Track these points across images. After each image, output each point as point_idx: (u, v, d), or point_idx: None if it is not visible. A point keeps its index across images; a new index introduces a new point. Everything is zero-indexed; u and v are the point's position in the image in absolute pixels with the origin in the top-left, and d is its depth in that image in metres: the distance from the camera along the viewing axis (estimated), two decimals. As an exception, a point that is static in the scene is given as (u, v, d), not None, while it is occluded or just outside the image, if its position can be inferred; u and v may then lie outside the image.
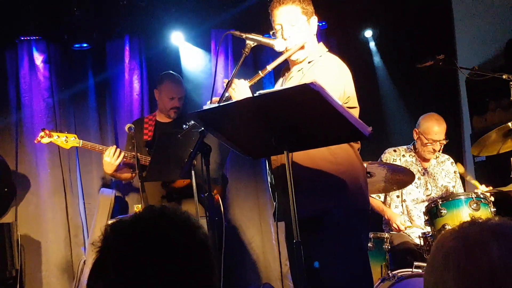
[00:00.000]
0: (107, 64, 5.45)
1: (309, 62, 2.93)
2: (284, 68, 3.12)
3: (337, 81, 2.79)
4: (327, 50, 3.00)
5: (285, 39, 2.89)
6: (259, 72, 2.84)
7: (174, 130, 4.02)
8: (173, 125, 4.44)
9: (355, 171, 2.88)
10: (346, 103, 2.81)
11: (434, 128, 4.39)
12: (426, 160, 4.52)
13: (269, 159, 2.93)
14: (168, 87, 4.50)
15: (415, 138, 4.51)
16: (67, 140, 4.25)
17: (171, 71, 4.74)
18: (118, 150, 4.14)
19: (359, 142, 2.92)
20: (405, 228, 4.32)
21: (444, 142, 4.41)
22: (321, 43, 3.03)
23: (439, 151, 4.49)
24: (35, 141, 4.35)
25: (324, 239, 2.78)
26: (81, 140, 4.24)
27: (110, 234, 1.25)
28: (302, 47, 2.92)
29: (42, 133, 4.27)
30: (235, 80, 2.75)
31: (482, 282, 1.19)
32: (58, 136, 4.26)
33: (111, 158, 4.11)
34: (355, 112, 2.86)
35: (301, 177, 2.70)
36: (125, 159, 4.25)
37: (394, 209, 4.49)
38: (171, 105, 4.48)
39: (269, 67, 2.85)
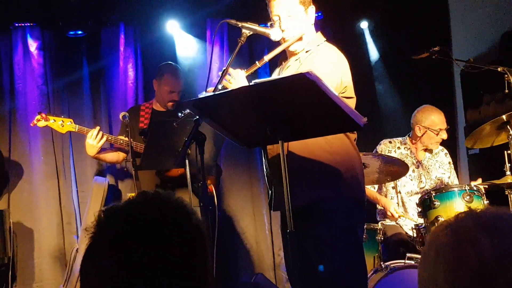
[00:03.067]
0: (102, 51, 5.42)
1: (306, 52, 2.92)
2: (281, 57, 3.11)
3: (334, 71, 2.79)
4: (325, 39, 2.99)
5: (283, 30, 2.88)
6: (256, 62, 2.82)
7: (169, 118, 4.01)
8: (169, 114, 4.44)
9: (351, 161, 2.89)
10: (343, 92, 2.81)
11: (439, 117, 4.48)
12: (427, 150, 4.55)
13: (265, 148, 2.92)
14: (169, 80, 4.49)
15: (420, 134, 4.49)
16: (63, 124, 4.24)
17: (171, 62, 4.72)
18: (101, 132, 4.14)
19: (355, 132, 2.92)
20: (399, 216, 4.33)
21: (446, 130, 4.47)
22: (319, 32, 3.03)
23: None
24: (31, 124, 4.33)
25: (319, 228, 2.78)
26: (77, 125, 4.22)
27: (103, 219, 1.25)
28: (300, 38, 2.91)
29: (38, 116, 4.25)
30: (231, 70, 2.73)
31: (471, 279, 1.16)
32: (55, 120, 4.25)
33: (93, 140, 4.11)
34: (352, 102, 2.86)
35: (297, 166, 2.70)
36: (119, 145, 4.26)
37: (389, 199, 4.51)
38: (169, 98, 4.48)
39: (267, 58, 2.83)
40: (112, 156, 4.42)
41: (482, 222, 1.23)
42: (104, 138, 4.14)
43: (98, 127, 4.19)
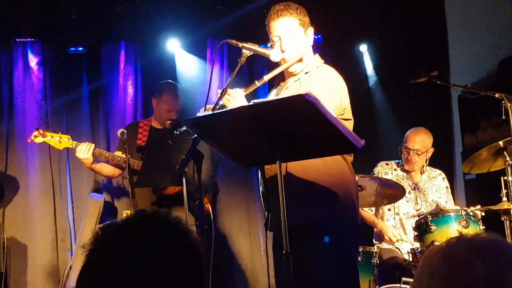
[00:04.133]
0: (102, 68, 5.45)
1: (306, 73, 2.94)
2: (279, 78, 3.12)
3: (333, 93, 2.80)
4: (323, 61, 3.02)
5: (283, 51, 2.90)
6: (256, 82, 2.84)
7: (167, 136, 4.02)
8: (167, 132, 4.44)
9: (347, 183, 2.89)
10: (341, 114, 2.82)
11: (409, 136, 4.50)
12: (423, 172, 4.55)
13: (262, 168, 2.92)
14: (167, 99, 4.50)
15: (399, 153, 4.57)
16: (60, 141, 4.23)
17: (170, 81, 4.74)
18: (89, 144, 4.14)
19: (352, 154, 2.93)
20: (397, 241, 4.32)
21: (419, 152, 4.44)
22: (316, 54, 3.05)
23: (423, 167, 4.52)
24: (28, 140, 4.32)
25: (314, 249, 2.77)
26: (74, 142, 4.21)
27: (100, 236, 1.25)
28: (301, 60, 2.93)
29: (36, 132, 4.24)
30: (230, 90, 2.74)
31: None
32: (52, 136, 4.24)
33: (82, 153, 4.11)
34: (350, 124, 2.87)
35: (294, 187, 2.70)
36: (116, 162, 4.26)
37: (385, 222, 4.50)
38: (167, 117, 4.49)
39: (266, 78, 2.86)
40: (109, 170, 4.42)
41: (474, 246, 1.24)
42: (91, 148, 4.13)
43: (87, 142, 4.18)
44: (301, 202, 2.76)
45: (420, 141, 4.47)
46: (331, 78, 2.89)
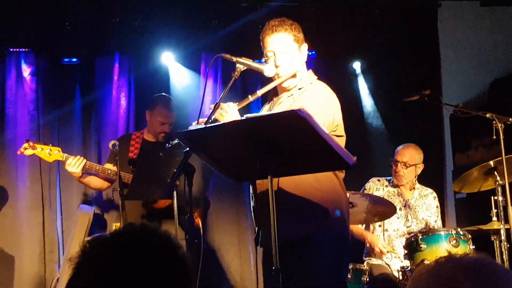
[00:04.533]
0: (96, 80, 5.44)
1: (299, 89, 2.94)
2: (271, 93, 3.13)
3: (326, 108, 2.81)
4: (317, 77, 3.03)
5: (277, 66, 2.91)
6: (249, 96, 2.85)
7: (160, 149, 4.00)
8: (160, 144, 4.43)
9: (338, 199, 2.89)
10: (334, 131, 2.83)
11: (399, 150, 4.59)
12: (414, 189, 4.57)
13: (254, 183, 2.92)
14: (161, 112, 4.50)
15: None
16: (50, 153, 4.21)
17: (164, 94, 4.73)
18: (80, 159, 4.12)
19: (343, 171, 2.93)
20: (387, 252, 4.32)
21: (407, 165, 4.47)
22: (310, 70, 3.06)
23: (413, 183, 4.54)
24: (18, 152, 4.29)
25: (304, 265, 2.76)
26: (64, 154, 4.19)
27: (88, 250, 1.23)
28: (294, 75, 2.94)
29: (25, 145, 4.22)
30: (223, 104, 2.74)
31: None
32: (42, 149, 4.21)
33: (72, 167, 4.10)
34: (342, 141, 2.88)
35: (285, 202, 2.70)
36: (106, 175, 4.24)
37: (376, 237, 4.51)
38: (161, 130, 4.48)
39: (259, 92, 2.87)
40: (97, 182, 4.39)
41: (462, 266, 1.23)
42: (82, 163, 4.11)
43: (78, 156, 4.17)
44: (291, 217, 2.75)
45: (408, 154, 4.53)
46: (324, 94, 2.90)
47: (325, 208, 2.82)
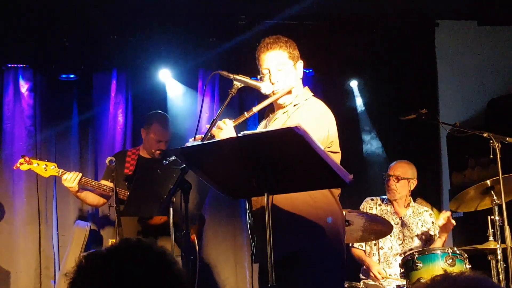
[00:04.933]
0: (93, 96, 5.45)
1: (294, 105, 2.95)
2: (268, 109, 3.14)
3: (321, 125, 2.82)
4: (312, 94, 3.04)
5: (273, 83, 2.92)
6: (245, 113, 2.85)
7: (155, 165, 4.00)
8: (155, 161, 4.42)
9: (334, 216, 2.88)
10: (329, 147, 2.83)
11: (392, 165, 4.65)
12: (400, 205, 4.57)
13: (250, 200, 2.92)
14: (156, 130, 4.49)
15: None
16: (46, 169, 4.21)
17: (160, 111, 4.73)
18: (75, 174, 4.13)
19: (339, 188, 2.93)
20: (383, 278, 4.30)
21: (398, 178, 4.51)
22: (306, 87, 3.07)
23: (407, 200, 4.56)
24: (14, 167, 4.30)
25: (299, 279, 2.75)
26: (60, 170, 4.19)
27: (84, 265, 1.23)
28: (290, 92, 2.95)
29: (21, 160, 4.22)
30: (219, 121, 2.75)
31: None
32: (38, 164, 4.21)
33: (68, 182, 4.10)
34: (337, 157, 2.88)
35: (281, 219, 2.69)
36: (102, 191, 4.24)
37: (372, 256, 4.49)
38: (156, 147, 4.48)
39: (255, 109, 2.87)
40: (93, 198, 4.39)
41: (458, 284, 1.23)
42: (77, 178, 4.12)
43: (74, 172, 4.17)
44: (287, 233, 2.75)
45: (401, 168, 4.58)
46: (319, 109, 2.91)
47: (320, 226, 2.81)
